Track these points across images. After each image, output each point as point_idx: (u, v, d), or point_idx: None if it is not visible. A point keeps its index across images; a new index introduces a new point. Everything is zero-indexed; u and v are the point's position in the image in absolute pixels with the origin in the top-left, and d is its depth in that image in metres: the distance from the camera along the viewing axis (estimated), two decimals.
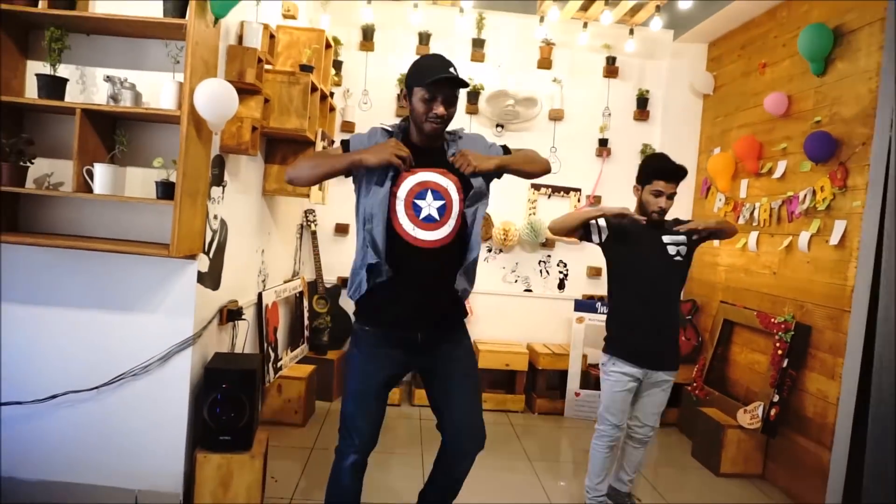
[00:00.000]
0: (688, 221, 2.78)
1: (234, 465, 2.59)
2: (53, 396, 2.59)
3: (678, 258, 2.72)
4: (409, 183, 2.04)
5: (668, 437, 4.23)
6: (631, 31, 4.37)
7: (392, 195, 2.03)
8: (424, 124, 2.04)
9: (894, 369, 3.09)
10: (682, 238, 2.73)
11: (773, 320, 3.58)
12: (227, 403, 2.59)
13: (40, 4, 2.37)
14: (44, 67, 2.40)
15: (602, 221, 2.78)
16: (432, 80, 1.97)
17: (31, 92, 2.49)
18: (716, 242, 4.34)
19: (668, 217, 2.82)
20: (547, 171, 2.29)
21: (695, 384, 4.17)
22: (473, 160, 2.02)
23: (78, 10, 2.34)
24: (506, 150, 2.22)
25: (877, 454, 3.08)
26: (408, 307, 2.06)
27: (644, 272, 2.73)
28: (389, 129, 2.13)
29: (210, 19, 2.44)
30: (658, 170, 2.71)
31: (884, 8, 3.02)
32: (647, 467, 3.66)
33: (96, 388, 2.59)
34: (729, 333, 4.19)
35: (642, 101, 4.83)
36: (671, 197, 2.71)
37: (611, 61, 4.78)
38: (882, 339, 3.10)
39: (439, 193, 2.05)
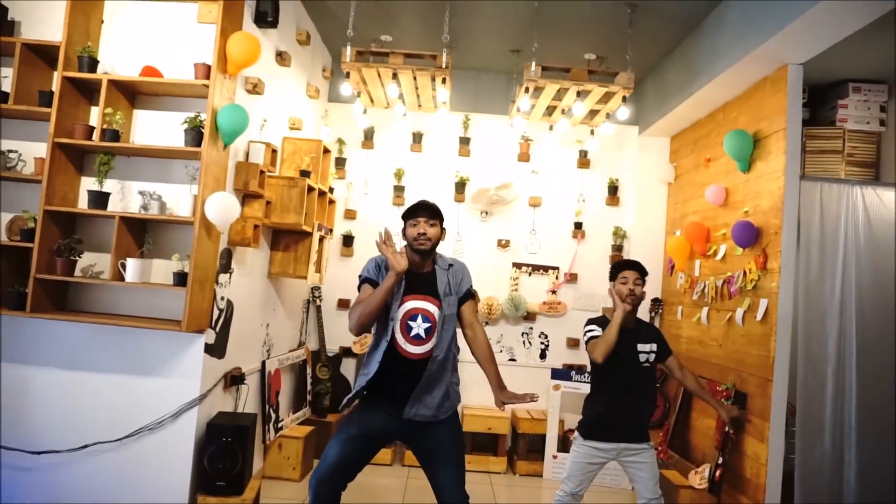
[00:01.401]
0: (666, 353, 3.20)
1: None
2: (85, 446, 3.17)
3: (646, 364, 3.12)
4: (405, 308, 2.61)
5: (632, 496, 4.53)
6: (592, 132, 4.99)
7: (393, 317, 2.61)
8: (414, 244, 2.63)
9: (813, 434, 3.46)
10: (654, 347, 3.13)
11: (718, 388, 3.98)
12: (223, 454, 3.12)
13: (94, 137, 3.10)
14: (94, 184, 3.12)
15: (594, 330, 3.15)
16: (413, 209, 2.65)
17: (82, 202, 3.20)
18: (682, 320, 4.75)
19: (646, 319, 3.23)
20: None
21: (659, 448, 4.51)
22: (513, 399, 2.63)
23: (122, 142, 3.07)
24: (469, 290, 2.75)
25: None
26: (395, 397, 2.60)
27: (618, 373, 3.08)
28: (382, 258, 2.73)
29: (220, 146, 3.14)
30: (620, 265, 3.19)
31: (784, 119, 3.57)
32: None
33: (118, 439, 3.16)
34: (689, 400, 4.56)
35: (613, 189, 5.40)
36: (637, 283, 3.11)
37: (583, 154, 5.40)
38: (802, 406, 3.50)
39: (427, 317, 2.62)
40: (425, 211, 2.65)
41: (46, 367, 3.21)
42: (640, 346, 3.10)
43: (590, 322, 3.14)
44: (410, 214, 2.66)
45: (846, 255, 3.54)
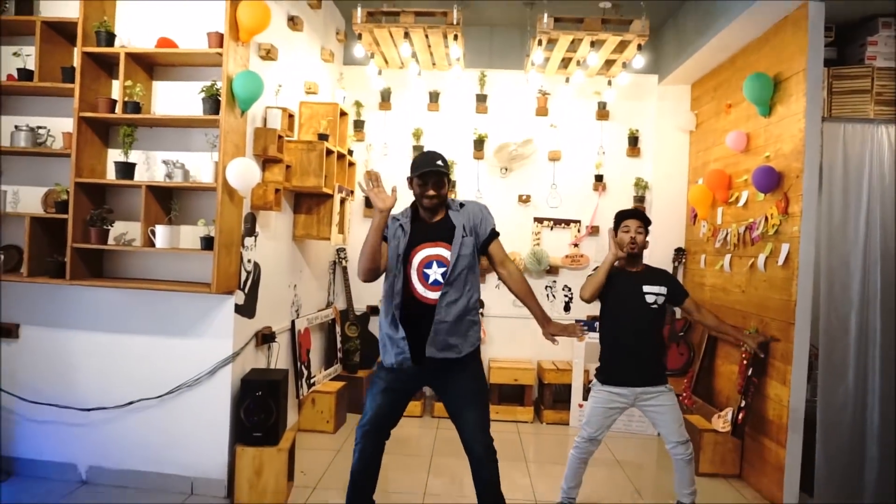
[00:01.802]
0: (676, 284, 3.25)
1: (265, 457, 3.28)
2: (130, 403, 3.37)
3: (654, 306, 3.17)
4: (420, 255, 2.68)
5: (659, 443, 4.63)
6: (609, 83, 4.91)
7: (408, 265, 2.68)
8: (422, 202, 2.71)
9: (836, 377, 3.47)
10: (663, 290, 3.17)
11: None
12: (258, 407, 3.30)
13: (117, 110, 3.20)
14: (119, 155, 3.24)
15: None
16: (421, 167, 2.67)
17: (110, 174, 3.33)
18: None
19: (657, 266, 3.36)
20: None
21: (684, 394, 4.57)
22: (561, 331, 2.79)
23: (143, 114, 3.17)
24: (493, 231, 2.79)
25: (826, 452, 3.46)
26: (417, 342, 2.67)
27: (624, 314, 3.18)
28: (399, 214, 2.79)
29: (237, 112, 3.21)
30: (623, 215, 3.27)
31: (805, 60, 3.48)
32: (631, 468, 4.10)
33: (160, 396, 3.36)
34: (713, 348, 4.59)
35: (633, 139, 5.34)
36: (639, 231, 3.20)
37: (601, 106, 5.33)
38: (825, 348, 3.50)
39: (442, 263, 2.67)
40: (433, 172, 2.65)
41: (88, 331, 3.41)
42: (647, 288, 3.15)
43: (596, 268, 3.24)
44: (418, 173, 2.66)
45: (871, 196, 3.47)
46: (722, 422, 4.02)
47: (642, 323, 3.15)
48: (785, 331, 3.59)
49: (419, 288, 2.68)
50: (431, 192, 2.66)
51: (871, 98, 4.31)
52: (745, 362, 3.90)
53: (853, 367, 3.47)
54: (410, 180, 2.71)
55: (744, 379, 3.89)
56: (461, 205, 2.79)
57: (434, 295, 2.65)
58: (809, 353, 3.54)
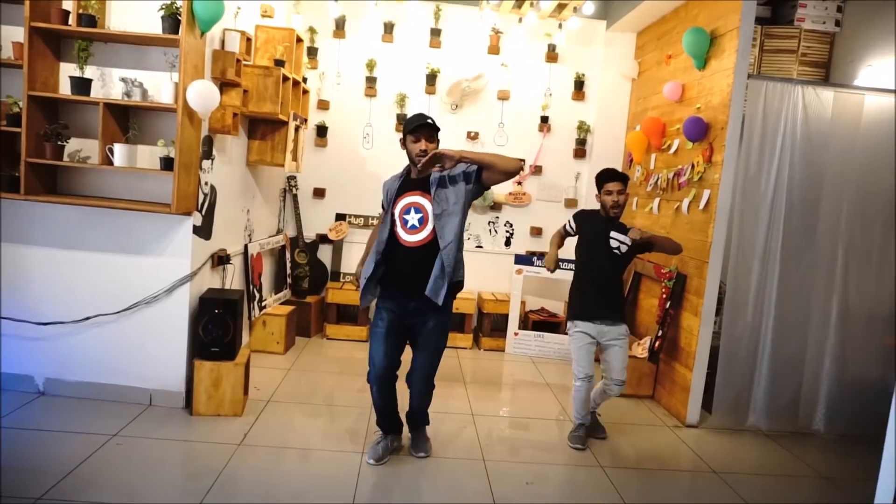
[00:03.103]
0: (637, 230, 3.47)
1: (222, 370, 3.47)
2: (87, 318, 3.46)
3: (616, 252, 3.50)
4: (401, 203, 2.95)
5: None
6: (560, 26, 5.08)
7: (392, 213, 2.95)
8: (416, 158, 2.90)
9: (738, 311, 3.94)
10: (626, 240, 3.48)
11: (662, 270, 4.42)
12: (216, 324, 3.46)
13: (70, 21, 3.14)
14: (74, 70, 3.20)
15: (572, 222, 3.66)
16: (415, 125, 2.89)
17: (64, 89, 3.28)
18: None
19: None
20: (518, 169, 2.98)
21: None
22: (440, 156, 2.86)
23: (98, 28, 3.13)
24: (478, 171, 2.96)
25: (725, 377, 3.95)
26: (401, 284, 2.97)
27: (589, 254, 3.57)
28: (398, 174, 3.06)
29: (197, 33, 3.22)
30: (605, 176, 3.53)
31: (739, 18, 3.75)
32: (562, 392, 4.52)
33: (118, 312, 3.46)
34: (638, 283, 5.03)
35: (579, 84, 5.57)
36: (621, 193, 3.49)
37: (552, 48, 5.50)
38: (731, 284, 3.95)
39: (419, 209, 2.92)
40: (427, 129, 2.90)
41: (43, 247, 3.44)
42: (614, 234, 3.49)
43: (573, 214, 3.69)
44: (413, 130, 2.90)
45: (782, 152, 3.85)
46: (641, 349, 4.49)
47: (604, 265, 3.51)
48: (700, 269, 4.01)
49: (400, 232, 2.95)
50: (424, 146, 2.89)
51: (796, 58, 4.70)
52: (664, 296, 4.34)
53: (752, 305, 3.94)
54: (403, 140, 2.96)
55: (662, 311, 4.34)
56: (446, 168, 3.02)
57: (410, 238, 2.93)
58: (720, 290, 3.99)
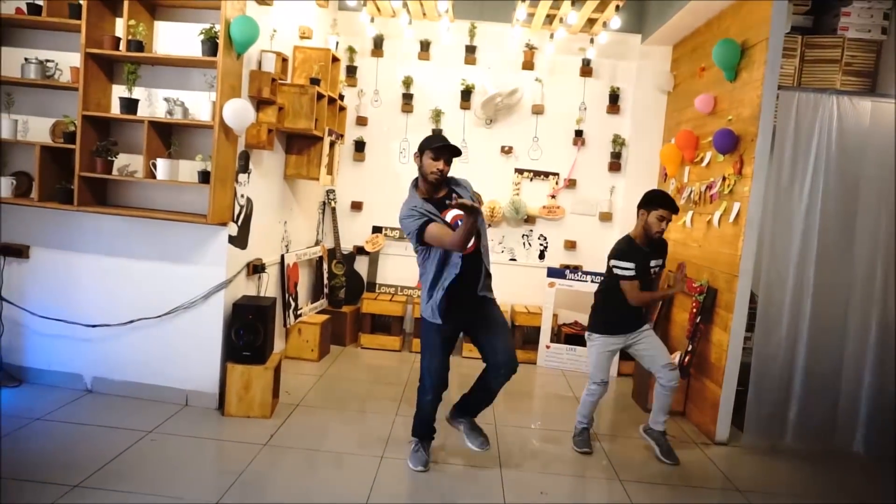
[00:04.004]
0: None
1: (253, 374, 3.64)
2: (130, 321, 3.70)
3: (653, 275, 3.65)
4: (448, 217, 3.02)
5: (620, 385, 5.05)
6: (591, 41, 5.11)
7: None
8: (429, 175, 3.00)
9: (771, 327, 3.84)
10: (661, 262, 3.65)
11: (693, 284, 4.35)
12: (248, 329, 3.64)
13: (121, 47, 3.41)
14: (123, 91, 3.47)
15: (630, 267, 3.54)
16: (438, 146, 2.98)
17: (114, 108, 3.56)
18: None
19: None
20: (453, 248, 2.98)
21: None
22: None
23: (146, 53, 3.39)
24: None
25: (757, 394, 3.85)
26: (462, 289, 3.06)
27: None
28: (410, 203, 3.03)
29: (234, 55, 3.43)
30: (664, 201, 3.50)
31: (768, 29, 3.71)
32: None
33: (159, 316, 3.69)
34: (671, 297, 4.95)
35: (614, 97, 5.56)
36: (669, 222, 3.53)
37: (585, 62, 5.53)
38: (764, 298, 3.86)
39: (462, 220, 2.99)
40: (450, 152, 2.99)
41: (93, 255, 3.71)
42: (653, 262, 3.59)
43: (621, 254, 3.52)
44: (437, 149, 2.97)
45: (816, 163, 3.75)
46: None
47: (645, 288, 3.58)
48: (730, 283, 3.94)
49: None
50: (442, 167, 2.99)
51: (839, 68, 4.56)
52: (694, 311, 4.27)
53: (786, 320, 3.83)
54: (420, 154, 3.03)
55: (692, 326, 4.27)
56: (458, 183, 3.14)
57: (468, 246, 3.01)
58: (751, 304, 3.90)
